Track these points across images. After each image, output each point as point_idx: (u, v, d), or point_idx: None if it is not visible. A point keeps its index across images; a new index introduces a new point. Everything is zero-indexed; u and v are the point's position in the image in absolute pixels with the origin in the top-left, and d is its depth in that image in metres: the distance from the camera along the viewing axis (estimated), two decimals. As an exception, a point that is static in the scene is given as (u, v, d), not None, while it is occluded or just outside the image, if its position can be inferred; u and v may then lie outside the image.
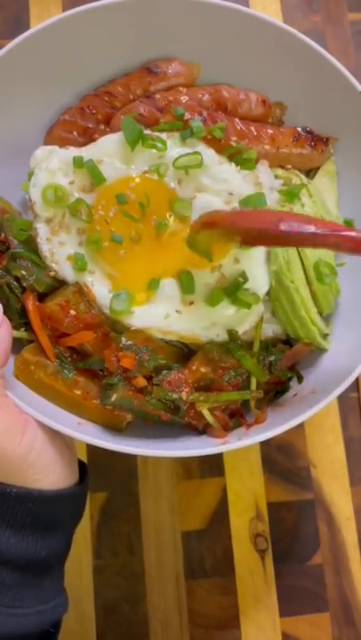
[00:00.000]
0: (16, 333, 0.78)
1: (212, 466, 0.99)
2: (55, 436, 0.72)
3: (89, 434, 0.73)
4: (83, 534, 0.96)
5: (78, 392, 0.78)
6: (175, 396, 0.76)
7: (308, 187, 0.86)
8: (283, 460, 1.01)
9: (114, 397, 0.76)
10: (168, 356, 0.79)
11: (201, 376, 0.78)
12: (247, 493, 0.99)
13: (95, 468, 0.96)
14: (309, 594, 0.97)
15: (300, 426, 1.02)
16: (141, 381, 0.76)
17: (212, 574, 0.96)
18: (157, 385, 0.77)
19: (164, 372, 0.78)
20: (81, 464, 0.77)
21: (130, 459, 0.98)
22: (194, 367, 0.78)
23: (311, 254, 0.82)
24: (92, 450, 0.97)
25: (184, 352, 0.82)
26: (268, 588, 0.96)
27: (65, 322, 0.77)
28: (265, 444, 1.00)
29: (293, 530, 0.99)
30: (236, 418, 0.81)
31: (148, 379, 0.77)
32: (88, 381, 0.79)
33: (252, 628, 0.95)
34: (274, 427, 0.74)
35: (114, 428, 0.79)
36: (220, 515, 0.98)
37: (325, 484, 1.00)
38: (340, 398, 1.03)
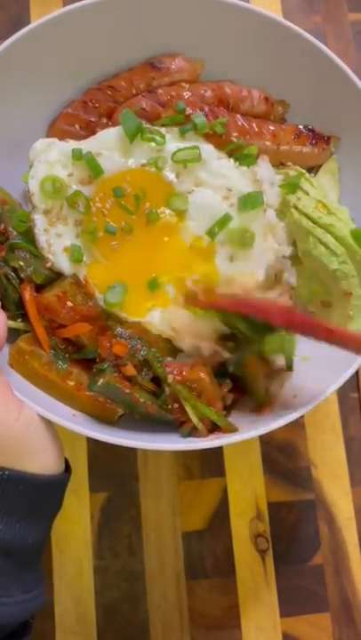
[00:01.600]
0: (13, 324, 0.79)
1: (213, 466, 0.99)
2: (47, 420, 0.73)
3: (84, 426, 0.74)
4: (83, 534, 0.96)
5: (72, 383, 0.79)
6: (164, 374, 0.77)
7: (306, 175, 0.87)
8: (283, 460, 1.00)
9: (100, 382, 0.76)
10: (162, 351, 0.80)
11: (197, 379, 0.78)
12: (248, 493, 0.99)
13: (96, 468, 0.96)
14: (310, 594, 0.97)
15: (301, 426, 1.02)
16: (131, 370, 0.77)
17: (213, 574, 0.96)
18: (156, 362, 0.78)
19: (168, 358, 0.79)
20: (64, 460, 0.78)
21: (130, 459, 0.98)
22: (196, 368, 0.78)
23: (342, 227, 0.84)
24: (93, 449, 0.97)
25: (177, 349, 0.82)
26: (269, 588, 0.96)
27: (62, 313, 0.78)
28: (265, 444, 1.00)
29: (294, 530, 0.99)
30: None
31: (139, 370, 0.78)
32: (82, 372, 0.80)
33: (253, 629, 0.95)
34: (267, 424, 0.75)
35: (106, 420, 0.79)
36: (221, 515, 0.98)
37: (326, 484, 1.00)
38: (341, 399, 1.03)
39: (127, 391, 0.77)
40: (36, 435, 0.71)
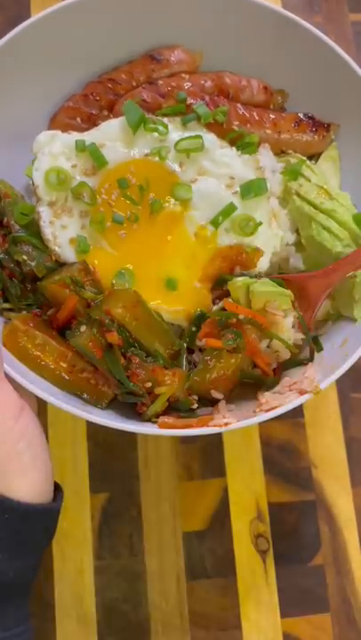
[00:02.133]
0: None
1: (214, 466, 0.99)
2: (43, 436, 0.72)
3: (71, 404, 0.74)
4: (84, 535, 0.95)
5: (64, 364, 0.79)
6: (144, 383, 0.77)
7: (307, 162, 0.88)
8: (284, 460, 1.00)
9: (83, 328, 0.76)
10: (151, 329, 0.80)
11: (174, 394, 0.79)
12: (248, 494, 0.99)
13: (96, 469, 0.96)
14: (311, 594, 0.97)
15: (302, 426, 1.02)
16: (114, 337, 0.76)
17: (213, 575, 0.96)
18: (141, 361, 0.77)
19: (160, 361, 0.79)
20: (55, 485, 0.75)
21: (131, 459, 0.98)
22: (176, 381, 0.79)
23: (344, 213, 0.85)
24: (94, 450, 0.97)
25: (167, 331, 0.82)
26: (270, 588, 0.96)
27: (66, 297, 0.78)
28: (266, 445, 1.00)
29: (294, 530, 0.99)
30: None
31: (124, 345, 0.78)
32: (75, 355, 0.79)
33: (253, 629, 0.95)
34: (261, 415, 0.75)
35: (95, 403, 0.79)
36: (222, 515, 0.98)
37: (327, 484, 1.00)
38: (341, 399, 1.03)
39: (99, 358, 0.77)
40: (30, 446, 0.69)
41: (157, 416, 0.79)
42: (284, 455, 1.01)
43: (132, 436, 0.97)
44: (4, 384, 0.71)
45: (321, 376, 0.78)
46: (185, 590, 0.95)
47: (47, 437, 0.93)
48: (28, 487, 0.68)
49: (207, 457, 0.99)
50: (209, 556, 0.97)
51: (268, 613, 0.95)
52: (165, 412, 0.80)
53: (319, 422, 1.02)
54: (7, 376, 0.73)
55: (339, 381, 0.78)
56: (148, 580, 0.95)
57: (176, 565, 0.96)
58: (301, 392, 0.77)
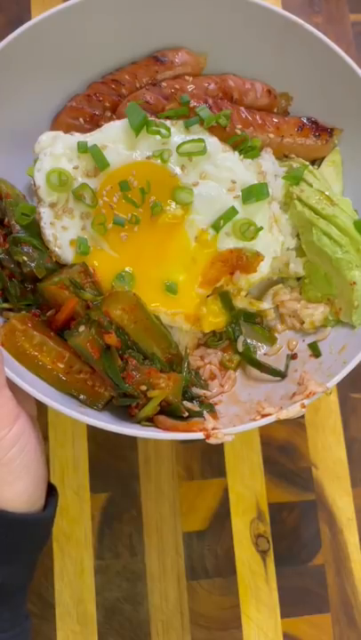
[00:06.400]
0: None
1: (214, 466, 0.99)
2: (39, 441, 0.72)
3: (67, 406, 0.74)
4: (84, 535, 0.96)
5: (61, 365, 0.78)
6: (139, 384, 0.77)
7: (309, 167, 0.87)
8: (284, 460, 1.00)
9: (82, 329, 0.76)
10: (149, 332, 0.79)
11: (167, 398, 0.78)
12: (249, 494, 0.99)
13: (97, 469, 0.96)
14: (311, 595, 0.97)
15: (302, 427, 1.02)
16: (112, 339, 0.76)
17: (214, 575, 0.96)
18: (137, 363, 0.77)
19: (157, 364, 0.79)
20: (51, 486, 0.75)
21: (131, 459, 0.98)
22: (171, 385, 0.78)
23: (346, 219, 0.84)
24: (94, 450, 0.97)
25: (165, 335, 0.82)
26: (270, 588, 0.96)
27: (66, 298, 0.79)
28: (266, 445, 1.00)
29: (295, 530, 0.99)
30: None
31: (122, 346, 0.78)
32: (72, 356, 0.79)
33: (254, 629, 0.95)
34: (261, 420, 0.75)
35: (91, 404, 0.79)
36: (222, 515, 0.98)
37: (327, 484, 1.00)
38: (342, 399, 1.03)
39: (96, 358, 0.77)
40: (22, 452, 0.69)
41: (148, 419, 0.79)
42: (284, 455, 1.01)
43: (132, 436, 0.97)
44: (4, 391, 0.71)
45: (318, 382, 0.78)
46: (185, 590, 0.95)
47: (47, 438, 0.94)
48: (15, 495, 0.68)
49: (207, 457, 0.99)
50: (209, 555, 0.97)
51: (269, 613, 0.96)
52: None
53: (319, 422, 1.02)
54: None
55: (339, 382, 0.78)
56: (149, 579, 0.95)
57: (176, 565, 0.96)
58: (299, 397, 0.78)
